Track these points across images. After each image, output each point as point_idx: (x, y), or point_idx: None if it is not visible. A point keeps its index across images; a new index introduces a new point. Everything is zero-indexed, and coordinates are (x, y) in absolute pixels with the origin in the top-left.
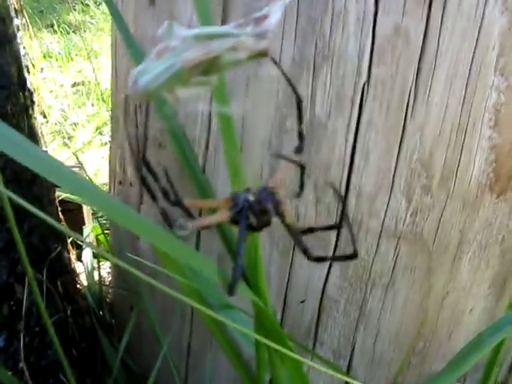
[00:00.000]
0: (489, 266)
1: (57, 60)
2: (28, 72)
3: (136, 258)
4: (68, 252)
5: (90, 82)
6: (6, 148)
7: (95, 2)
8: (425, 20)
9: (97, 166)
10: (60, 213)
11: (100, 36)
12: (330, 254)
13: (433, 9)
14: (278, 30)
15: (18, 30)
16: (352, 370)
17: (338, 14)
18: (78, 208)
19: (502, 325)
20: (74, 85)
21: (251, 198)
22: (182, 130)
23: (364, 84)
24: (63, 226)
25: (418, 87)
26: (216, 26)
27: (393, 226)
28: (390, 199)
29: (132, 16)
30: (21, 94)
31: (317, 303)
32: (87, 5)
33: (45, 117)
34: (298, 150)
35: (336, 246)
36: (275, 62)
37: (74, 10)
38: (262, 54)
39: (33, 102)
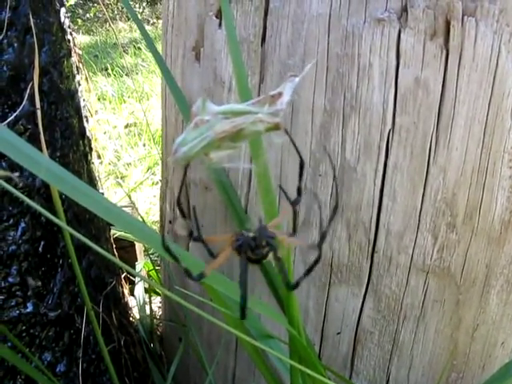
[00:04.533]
0: None
1: (110, 102)
2: (87, 121)
3: (185, 291)
4: (122, 286)
5: (141, 123)
6: (69, 192)
7: (146, 46)
8: (442, 72)
9: (148, 205)
10: (115, 250)
11: (151, 78)
12: (364, 287)
13: (449, 62)
14: (310, 84)
15: (79, 84)
16: None
17: (363, 69)
18: (131, 245)
19: None
20: (127, 126)
21: (250, 235)
22: (226, 174)
23: (389, 131)
24: (117, 261)
25: (439, 133)
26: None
27: (421, 261)
28: (417, 236)
29: (179, 70)
30: (81, 142)
31: (352, 335)
32: (139, 48)
33: (99, 157)
34: (296, 202)
35: (368, 281)
36: (286, 132)
37: (127, 53)
38: (276, 128)
39: (91, 149)
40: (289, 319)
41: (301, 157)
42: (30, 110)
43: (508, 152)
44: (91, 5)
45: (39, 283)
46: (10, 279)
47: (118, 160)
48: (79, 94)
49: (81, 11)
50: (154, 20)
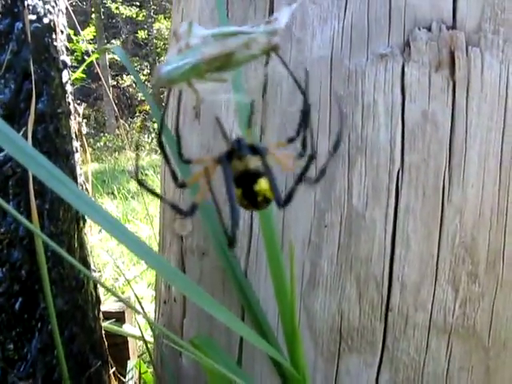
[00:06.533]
0: None
1: (104, 230)
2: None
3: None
4: (109, 376)
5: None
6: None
7: (154, 171)
8: (450, 104)
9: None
10: (106, 347)
11: (156, 201)
12: (378, 355)
13: (457, 93)
14: (313, 126)
15: (77, 150)
16: None
17: (367, 107)
18: (125, 342)
19: None
20: None
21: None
22: (224, 237)
23: (398, 171)
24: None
25: (451, 169)
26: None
27: (441, 319)
28: (435, 289)
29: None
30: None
31: None
32: (146, 174)
33: (99, 271)
34: (301, 155)
35: (383, 347)
36: (283, 61)
37: (134, 179)
38: (274, 49)
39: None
40: None
41: (306, 100)
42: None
43: None
44: (102, 135)
45: (11, 346)
46: None
47: (119, 276)
48: (75, 158)
49: (92, 141)
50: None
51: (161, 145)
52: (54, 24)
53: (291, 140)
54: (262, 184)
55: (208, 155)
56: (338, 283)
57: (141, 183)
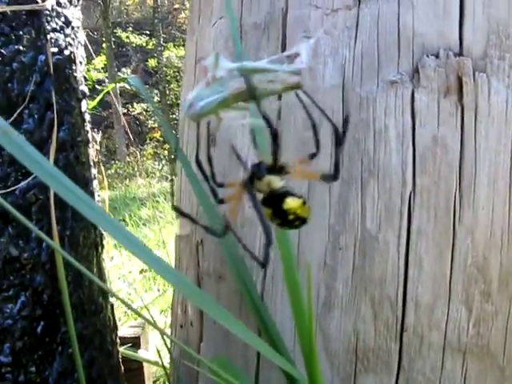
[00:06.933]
0: None
1: (126, 249)
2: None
3: None
4: None
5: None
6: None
7: (165, 198)
8: (459, 128)
9: (159, 347)
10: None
11: (168, 228)
12: (394, 376)
13: (465, 117)
14: (325, 155)
15: (95, 177)
16: None
17: (379, 132)
18: (140, 367)
19: None
20: (142, 271)
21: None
22: (241, 259)
23: (410, 193)
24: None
25: (462, 191)
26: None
27: (456, 339)
28: (449, 309)
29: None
30: (92, 230)
31: None
32: (157, 201)
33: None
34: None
35: (399, 367)
36: (306, 93)
37: (144, 206)
38: (297, 87)
39: (102, 240)
40: None
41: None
42: (43, 182)
43: None
44: (113, 162)
45: (33, 368)
46: (1, 358)
47: (132, 303)
48: (93, 185)
49: (103, 168)
50: (173, 177)
51: (199, 165)
52: (74, 56)
53: (313, 156)
54: (290, 202)
55: (236, 179)
56: (353, 305)
57: (175, 207)
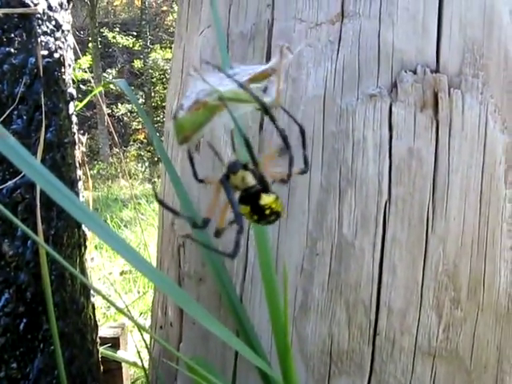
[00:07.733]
0: None
1: (107, 250)
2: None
3: None
4: None
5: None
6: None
7: (147, 201)
8: (434, 142)
9: (139, 348)
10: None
11: (149, 230)
12: (367, 377)
13: (440, 132)
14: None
15: (80, 178)
16: None
17: (357, 143)
18: (119, 368)
19: None
20: (122, 273)
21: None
22: (221, 262)
23: (386, 203)
24: (101, 369)
25: (435, 203)
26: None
27: (426, 343)
28: (420, 314)
29: (179, 161)
30: (76, 229)
31: None
32: (139, 203)
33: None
34: (304, 171)
35: (371, 369)
36: (282, 108)
37: (126, 207)
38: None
39: (85, 240)
40: None
41: (299, 125)
42: (30, 181)
43: (506, 221)
44: (95, 163)
45: (14, 365)
46: None
47: (111, 305)
48: (79, 186)
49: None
50: (155, 179)
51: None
52: (64, 58)
53: (281, 153)
54: (266, 198)
55: (214, 176)
56: (328, 308)
57: (159, 200)
